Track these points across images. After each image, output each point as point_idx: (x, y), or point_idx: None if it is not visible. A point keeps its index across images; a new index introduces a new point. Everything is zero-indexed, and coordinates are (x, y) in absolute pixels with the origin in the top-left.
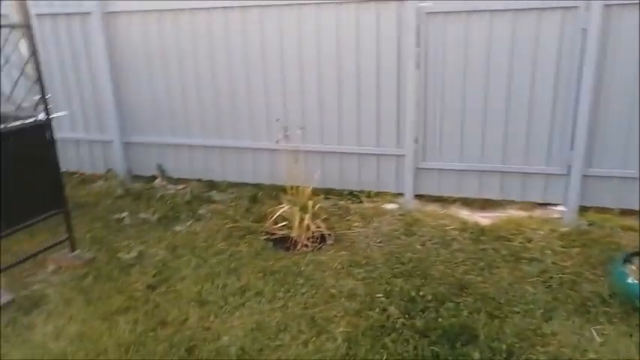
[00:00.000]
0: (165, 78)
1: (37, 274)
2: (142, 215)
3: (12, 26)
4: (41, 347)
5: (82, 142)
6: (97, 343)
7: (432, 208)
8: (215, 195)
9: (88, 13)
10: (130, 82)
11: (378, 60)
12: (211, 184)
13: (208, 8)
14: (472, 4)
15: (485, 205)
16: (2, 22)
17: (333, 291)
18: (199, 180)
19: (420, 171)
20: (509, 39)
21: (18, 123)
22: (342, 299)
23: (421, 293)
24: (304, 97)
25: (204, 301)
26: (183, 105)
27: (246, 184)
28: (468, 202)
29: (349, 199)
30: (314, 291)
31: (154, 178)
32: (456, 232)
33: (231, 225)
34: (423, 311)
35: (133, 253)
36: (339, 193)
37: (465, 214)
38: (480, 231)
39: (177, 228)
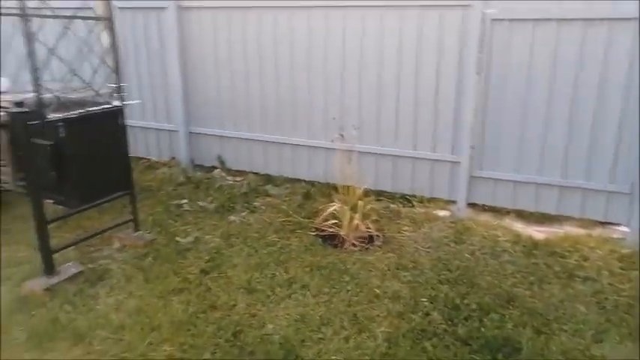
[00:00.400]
0: (231, 73)
1: (103, 249)
2: (201, 203)
3: (96, 19)
4: (103, 317)
5: (150, 130)
6: (152, 319)
7: (484, 217)
8: (270, 189)
9: (164, 8)
10: (197, 76)
11: (438, 64)
12: (267, 178)
13: (275, 7)
14: (540, 12)
15: (541, 219)
16: (88, 15)
17: (377, 291)
18: (256, 173)
19: (474, 179)
20: (576, 49)
21: (95, 108)
22: (386, 300)
23: (466, 301)
24: (362, 99)
25: (253, 289)
26: (246, 100)
27: (300, 180)
28: (522, 215)
29: (401, 203)
30: (358, 289)
31: (213, 168)
32: (508, 244)
33: (283, 219)
34: (466, 319)
35: (190, 238)
36: (391, 196)
37: (518, 226)
38: (533, 245)
39: (233, 218)
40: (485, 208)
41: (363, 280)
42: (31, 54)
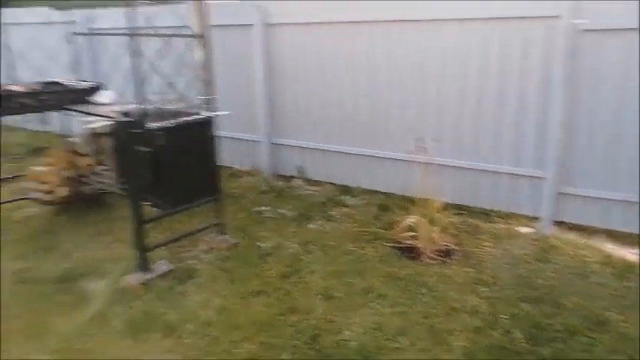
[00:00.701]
0: (312, 86)
1: (191, 250)
2: (281, 211)
3: (192, 36)
4: (191, 313)
5: (234, 139)
6: (234, 318)
7: (570, 236)
8: (347, 199)
9: (250, 25)
10: (280, 89)
11: (522, 77)
12: (345, 189)
13: (355, 22)
14: (635, 21)
15: (636, 240)
16: (184, 32)
17: (454, 305)
18: (334, 184)
19: (561, 196)
20: None
21: (189, 118)
22: (464, 314)
23: (550, 322)
24: (442, 111)
25: (330, 295)
26: (326, 112)
27: (377, 192)
28: (614, 235)
29: (480, 218)
30: (435, 302)
31: (292, 177)
32: (597, 265)
33: (360, 229)
34: (550, 340)
35: (270, 244)
36: (470, 210)
37: (609, 247)
38: (627, 267)
39: (311, 226)
40: (570, 227)
41: (441, 293)
42: (135, 69)
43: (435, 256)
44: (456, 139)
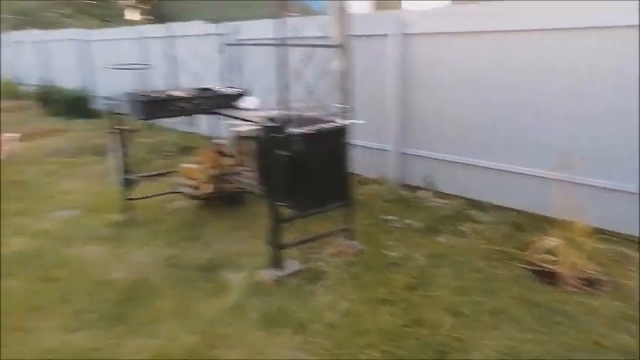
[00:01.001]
0: (446, 97)
1: (320, 253)
2: (407, 221)
3: (333, 46)
4: (318, 313)
5: (361, 147)
6: (360, 323)
7: None
8: (476, 214)
9: (385, 35)
10: (413, 99)
11: None
12: (473, 203)
13: (494, 32)
14: None
15: None
16: (326, 43)
17: (599, 340)
18: (462, 197)
19: None
20: None
21: (326, 125)
22: (610, 351)
23: None
24: (590, 127)
25: (458, 312)
26: (459, 124)
27: (510, 209)
28: None
29: (634, 247)
30: (576, 334)
31: (418, 188)
32: None
33: (490, 247)
34: None
35: (396, 253)
36: (622, 237)
37: None
38: None
39: (439, 239)
40: None
41: (583, 325)
42: (280, 77)
43: (578, 284)
44: (605, 158)
